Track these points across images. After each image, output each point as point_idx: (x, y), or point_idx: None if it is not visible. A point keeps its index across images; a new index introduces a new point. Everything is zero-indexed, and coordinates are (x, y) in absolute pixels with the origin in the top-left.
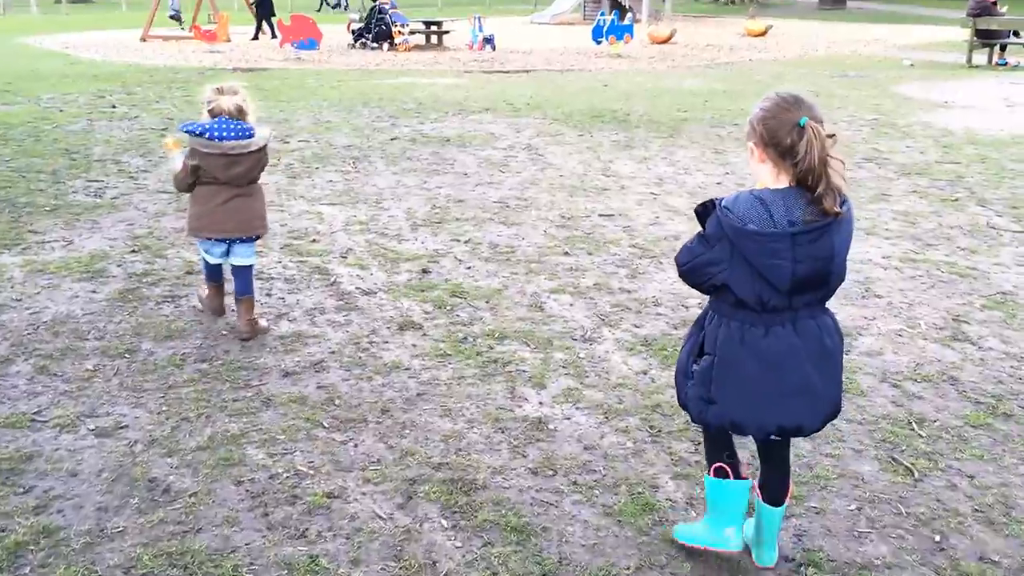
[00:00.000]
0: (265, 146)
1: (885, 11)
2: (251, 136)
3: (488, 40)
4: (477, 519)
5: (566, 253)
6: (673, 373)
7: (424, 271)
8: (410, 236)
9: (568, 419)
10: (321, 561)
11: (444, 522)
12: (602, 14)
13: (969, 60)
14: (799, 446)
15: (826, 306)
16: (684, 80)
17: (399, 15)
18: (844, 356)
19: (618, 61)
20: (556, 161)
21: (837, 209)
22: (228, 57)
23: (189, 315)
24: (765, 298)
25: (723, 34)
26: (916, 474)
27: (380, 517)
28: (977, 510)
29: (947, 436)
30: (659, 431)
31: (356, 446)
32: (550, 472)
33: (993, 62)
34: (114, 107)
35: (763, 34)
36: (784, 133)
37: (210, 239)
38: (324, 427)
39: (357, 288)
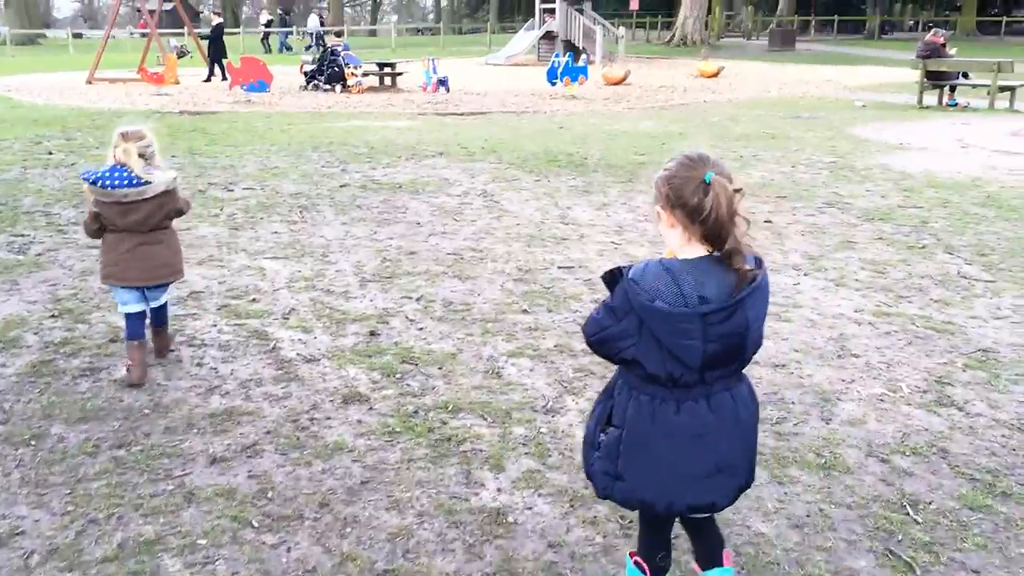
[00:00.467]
0: (168, 191)
1: (832, 52)
2: (147, 183)
3: (442, 82)
4: None
5: (524, 311)
6: None
7: (372, 333)
8: (358, 293)
9: (530, 509)
10: None
11: None
12: (556, 55)
13: (920, 101)
14: (787, 539)
15: (742, 372)
16: (640, 122)
17: (352, 56)
18: (820, 425)
19: (573, 103)
20: (512, 208)
21: (747, 267)
22: (176, 100)
23: (109, 390)
24: (676, 374)
25: (676, 75)
26: (917, 571)
27: None
28: None
29: (945, 521)
30: (630, 521)
31: (289, 550)
32: None
33: (943, 103)
34: (51, 153)
35: (715, 75)
36: (690, 192)
37: (119, 286)
38: (253, 527)
39: (299, 355)
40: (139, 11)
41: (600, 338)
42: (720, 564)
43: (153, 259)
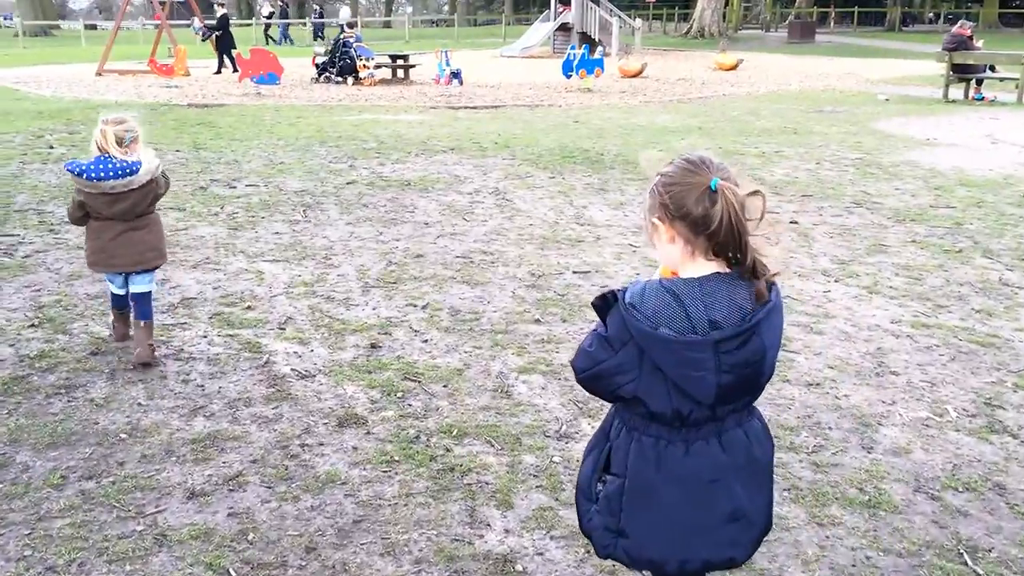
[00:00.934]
0: (153, 179)
1: (853, 44)
2: (133, 173)
3: (455, 74)
4: None
5: (537, 320)
6: None
7: (373, 346)
8: (360, 300)
9: (541, 555)
10: None
11: None
12: (572, 48)
13: (946, 95)
14: None
15: (753, 405)
16: (657, 116)
17: (364, 48)
18: (861, 455)
19: (589, 96)
20: (525, 207)
21: (769, 276)
22: (185, 92)
23: (84, 410)
24: (685, 411)
25: (694, 68)
26: None
27: None
28: None
29: (1009, 574)
30: None
31: None
32: None
33: (970, 97)
34: (51, 148)
35: (734, 68)
36: (693, 200)
37: (102, 273)
38: None
39: (293, 370)
40: (151, 2)
41: (594, 374)
42: None
43: (139, 245)
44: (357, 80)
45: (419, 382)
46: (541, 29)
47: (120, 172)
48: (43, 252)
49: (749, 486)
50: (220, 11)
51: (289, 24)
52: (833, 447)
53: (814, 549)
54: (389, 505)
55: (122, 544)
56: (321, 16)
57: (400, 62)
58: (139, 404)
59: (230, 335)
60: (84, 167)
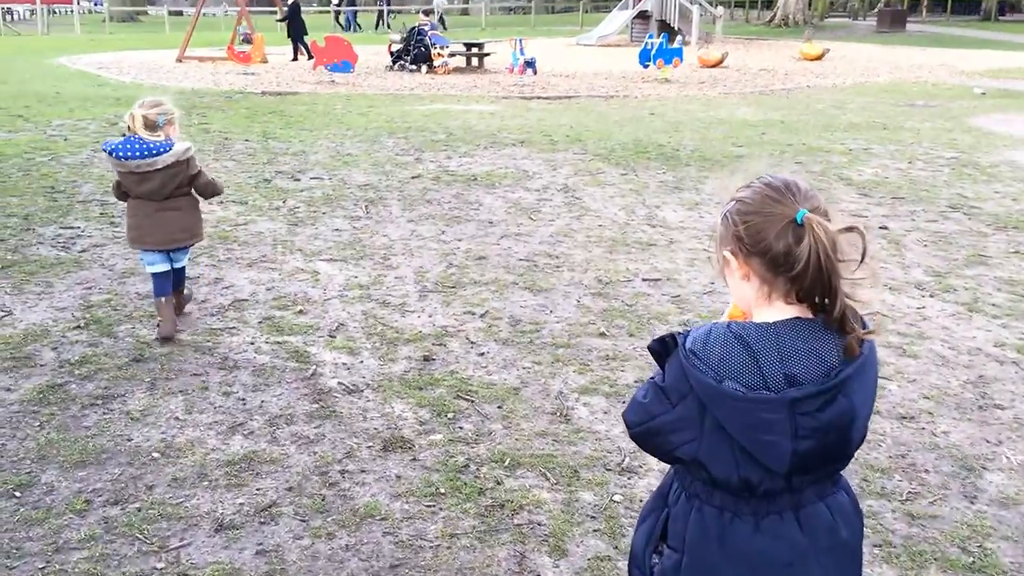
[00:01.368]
0: (182, 161)
1: (946, 34)
2: (159, 153)
3: (529, 64)
4: None
5: (602, 333)
6: None
7: (426, 358)
8: (416, 306)
9: None
10: None
11: None
12: (650, 36)
13: None
14: None
15: (840, 474)
16: (738, 108)
17: (439, 37)
18: (963, 505)
19: (666, 87)
20: (595, 206)
21: (860, 333)
22: (260, 80)
23: (118, 424)
24: (754, 481)
25: (777, 58)
26: None
27: None
28: None
29: None
30: None
31: None
32: None
33: None
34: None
35: (819, 58)
36: (775, 234)
37: (143, 249)
38: None
39: (340, 383)
40: None
41: (647, 429)
42: None
43: (171, 224)
44: (431, 68)
45: (472, 401)
46: (619, 17)
47: (145, 152)
48: (100, 247)
49: (831, 573)
50: None
51: (357, 11)
52: (931, 494)
53: None
54: (431, 547)
55: None
56: (389, 2)
57: (475, 50)
58: (176, 419)
59: (278, 342)
60: (113, 146)
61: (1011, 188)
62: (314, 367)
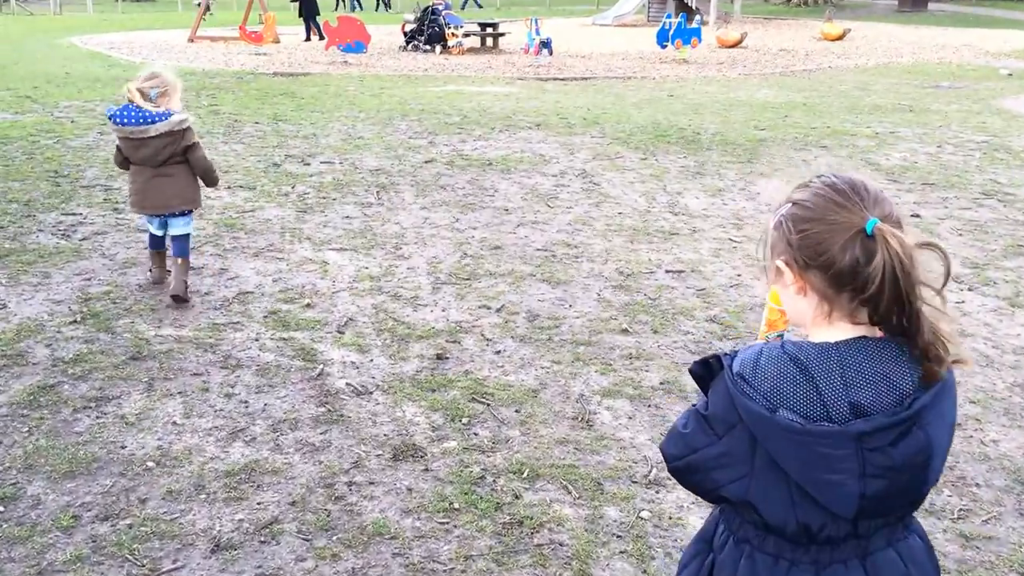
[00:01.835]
0: (176, 131)
1: (969, 14)
2: (153, 121)
3: (545, 44)
4: None
5: (625, 330)
6: None
7: (439, 357)
8: (429, 299)
9: None
10: None
11: None
12: (668, 16)
13: None
14: None
15: (912, 516)
16: (758, 90)
17: (453, 16)
18: (1020, 524)
19: (684, 67)
20: (614, 192)
21: (947, 360)
22: (272, 60)
23: (112, 430)
24: (815, 526)
25: (797, 38)
26: None
27: None
28: None
29: None
30: None
31: None
32: None
33: None
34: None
35: (840, 38)
36: (839, 246)
37: (139, 215)
38: None
39: (348, 384)
40: None
41: (688, 464)
42: None
43: (165, 190)
44: (445, 49)
45: (488, 405)
46: None
47: (139, 119)
48: (102, 234)
49: None
50: None
51: None
52: (984, 511)
53: None
54: (443, 569)
55: None
56: None
57: (489, 30)
58: (174, 423)
59: (284, 339)
60: (113, 112)
61: None
62: (321, 366)
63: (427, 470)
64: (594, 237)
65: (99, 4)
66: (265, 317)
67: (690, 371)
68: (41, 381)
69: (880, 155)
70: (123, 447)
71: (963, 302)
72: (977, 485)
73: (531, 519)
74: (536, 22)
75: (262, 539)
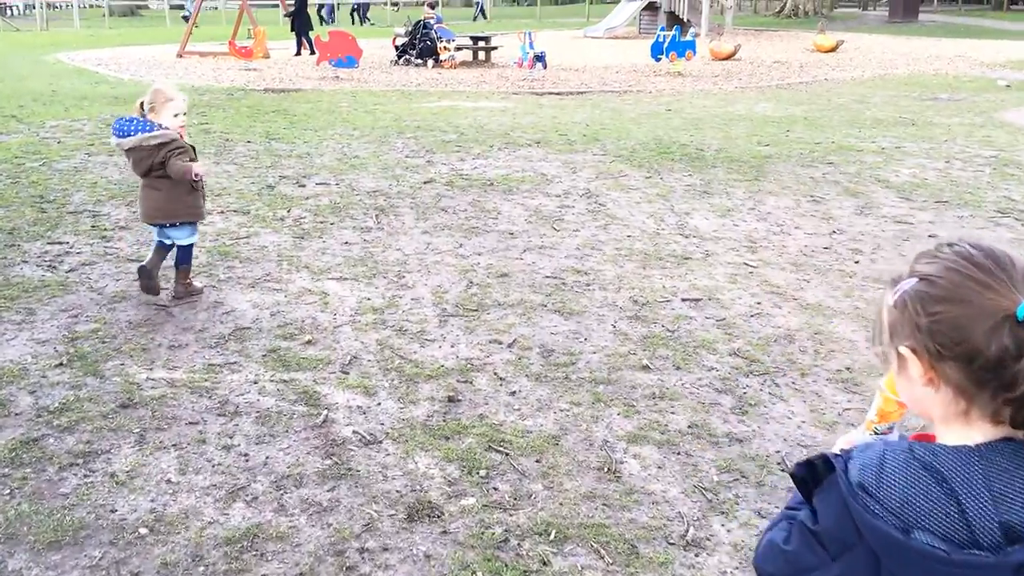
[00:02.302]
0: (144, 147)
1: (960, 24)
2: (126, 135)
3: (539, 57)
4: None
5: (645, 366)
6: None
7: (451, 399)
8: (436, 334)
9: None
10: None
11: None
12: (662, 29)
13: None
14: None
15: None
16: (757, 104)
17: (445, 30)
18: None
19: (680, 80)
20: (621, 213)
21: None
22: (263, 76)
23: (101, 491)
24: None
25: (790, 49)
26: None
27: None
28: None
29: None
30: None
31: None
32: None
33: None
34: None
35: (833, 50)
36: (983, 334)
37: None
38: None
39: (355, 432)
40: None
41: None
42: None
43: (148, 202)
44: (437, 63)
45: (507, 454)
46: (627, 8)
47: (118, 132)
48: (90, 265)
49: None
50: None
51: (335, 7)
52: None
53: None
54: None
55: None
56: None
57: (482, 44)
58: (168, 482)
59: (285, 381)
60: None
61: None
62: (325, 411)
63: (445, 532)
64: (604, 262)
65: (86, 20)
66: (264, 356)
67: (791, 475)
68: (24, 434)
69: (889, 171)
70: (113, 511)
71: None
72: None
73: None
74: (530, 35)
75: None
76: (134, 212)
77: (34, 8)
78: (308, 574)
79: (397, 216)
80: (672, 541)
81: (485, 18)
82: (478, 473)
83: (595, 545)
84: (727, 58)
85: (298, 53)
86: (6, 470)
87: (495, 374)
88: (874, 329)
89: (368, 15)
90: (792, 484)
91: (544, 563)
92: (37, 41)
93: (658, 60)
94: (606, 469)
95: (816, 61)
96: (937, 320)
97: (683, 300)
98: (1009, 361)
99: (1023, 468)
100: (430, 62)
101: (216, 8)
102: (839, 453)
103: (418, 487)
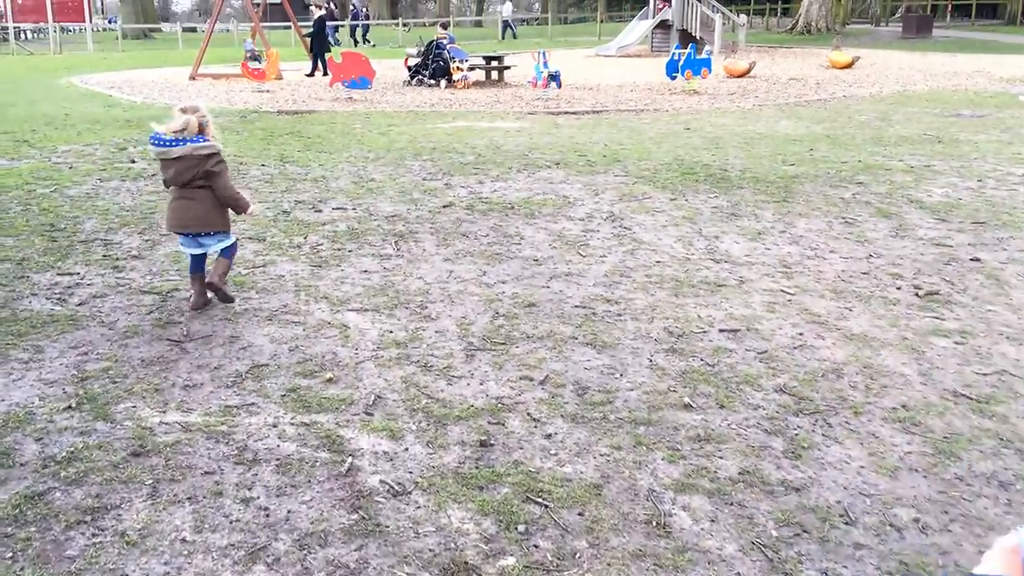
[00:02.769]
0: (196, 155)
1: (974, 39)
2: (174, 145)
3: (554, 77)
4: None
5: (687, 405)
6: None
7: (483, 443)
8: (463, 370)
9: None
10: None
11: None
12: (677, 47)
13: None
14: None
15: None
16: (777, 122)
17: (458, 50)
18: None
19: (696, 98)
20: (647, 237)
21: None
22: (276, 97)
23: (110, 552)
24: None
25: (804, 66)
26: None
27: None
28: None
29: None
30: None
31: None
32: None
33: None
34: (133, 162)
35: (849, 66)
36: None
37: (169, 231)
38: None
39: (383, 482)
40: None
41: None
42: None
43: (185, 211)
44: (450, 83)
45: (546, 506)
46: (639, 27)
47: (162, 143)
48: (101, 297)
49: None
50: (316, 12)
51: (338, 26)
52: None
53: None
54: None
55: None
56: (367, 17)
57: (495, 64)
58: (183, 541)
59: (306, 424)
60: (152, 134)
61: None
62: (350, 458)
63: None
64: (634, 290)
65: (99, 43)
66: (283, 396)
67: None
68: (29, 487)
69: (921, 191)
70: None
71: None
72: None
73: None
74: (544, 55)
75: None
76: (147, 240)
77: (48, 32)
78: None
79: (417, 242)
80: None
81: (515, 37)
82: (516, 528)
83: None
84: (742, 75)
85: (311, 73)
86: (9, 529)
87: (528, 415)
88: None
89: (368, 36)
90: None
91: None
92: (52, 64)
93: (673, 78)
94: (654, 523)
95: (833, 78)
96: None
97: (721, 331)
98: None
99: None
100: (443, 82)
101: (228, 31)
102: None
103: (452, 545)
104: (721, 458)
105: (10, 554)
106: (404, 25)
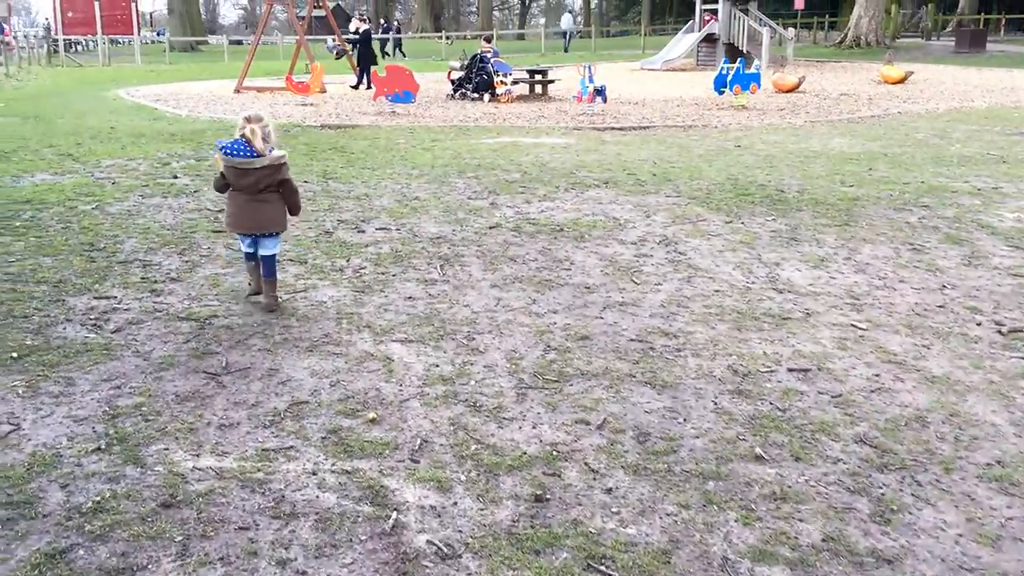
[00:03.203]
0: (276, 165)
1: None
2: (254, 156)
3: (599, 91)
4: None
5: (759, 456)
6: None
7: (538, 498)
8: (515, 411)
9: None
10: None
11: None
12: (726, 61)
13: None
14: None
15: None
16: (831, 139)
17: (502, 64)
18: None
19: (745, 114)
20: (704, 264)
21: None
22: (319, 111)
23: None
24: None
25: (855, 81)
26: None
27: None
28: None
29: None
30: None
31: None
32: None
33: None
34: (175, 178)
35: (902, 81)
36: None
37: (235, 233)
38: None
39: (430, 542)
40: (290, 18)
41: None
42: None
43: (258, 214)
44: (494, 97)
45: (613, 574)
46: (685, 40)
47: (245, 153)
48: (137, 324)
49: None
50: (362, 26)
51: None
52: None
53: None
54: None
55: None
56: (399, 31)
57: (539, 77)
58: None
59: (347, 471)
60: (226, 145)
61: None
62: (395, 513)
63: None
64: (694, 323)
65: (147, 55)
66: (323, 438)
67: None
68: (51, 543)
69: (991, 215)
70: None
71: None
72: None
73: None
74: (589, 69)
75: None
76: (186, 261)
77: (97, 44)
78: None
79: (463, 267)
80: None
81: (566, 51)
82: None
83: None
84: (791, 90)
85: (356, 86)
86: None
87: (586, 464)
88: None
89: (401, 48)
90: None
91: None
92: (99, 77)
93: (721, 93)
94: None
95: (885, 93)
96: None
97: (790, 370)
98: None
99: None
100: (486, 96)
101: (274, 43)
102: None
103: None
104: (801, 520)
105: None
106: (447, 38)
